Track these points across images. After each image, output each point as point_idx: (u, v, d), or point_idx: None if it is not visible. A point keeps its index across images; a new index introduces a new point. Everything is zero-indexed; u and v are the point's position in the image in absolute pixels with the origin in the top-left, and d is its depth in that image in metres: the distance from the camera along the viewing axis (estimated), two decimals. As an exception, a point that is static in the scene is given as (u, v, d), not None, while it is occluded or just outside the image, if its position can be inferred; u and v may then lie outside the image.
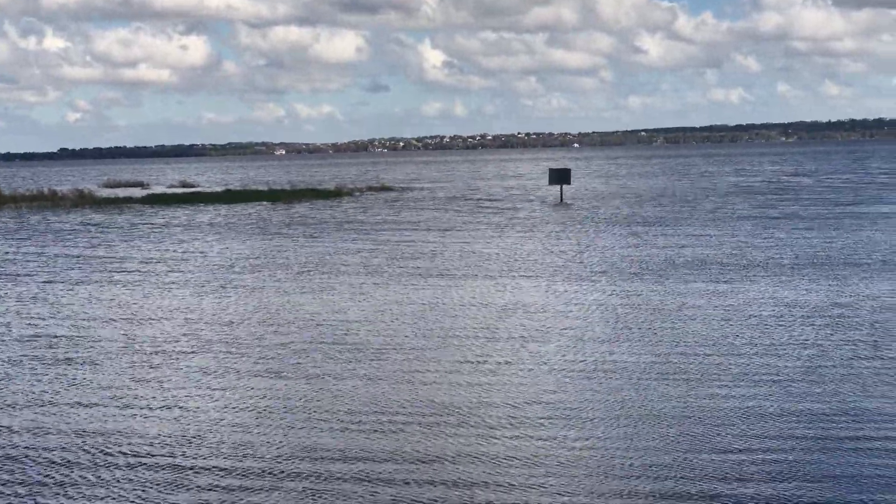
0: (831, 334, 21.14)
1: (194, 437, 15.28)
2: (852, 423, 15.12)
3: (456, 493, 12.66)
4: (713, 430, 14.92)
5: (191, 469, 13.83)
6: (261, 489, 12.98)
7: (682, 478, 13.02)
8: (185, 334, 23.33)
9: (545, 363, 19.34)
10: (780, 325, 22.20)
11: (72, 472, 13.86)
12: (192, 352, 21.41)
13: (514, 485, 12.88)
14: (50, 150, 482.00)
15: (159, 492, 12.98)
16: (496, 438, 14.80)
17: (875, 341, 20.41)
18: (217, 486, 13.16)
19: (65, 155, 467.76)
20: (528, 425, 15.44)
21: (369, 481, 13.10)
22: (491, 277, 31.33)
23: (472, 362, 19.61)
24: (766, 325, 22.38)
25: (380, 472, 13.42)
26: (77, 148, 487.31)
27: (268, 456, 14.23)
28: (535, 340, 21.43)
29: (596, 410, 16.13)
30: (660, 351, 20.10)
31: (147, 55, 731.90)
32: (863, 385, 17.17)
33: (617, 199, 69.73)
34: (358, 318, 24.68)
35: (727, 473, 13.11)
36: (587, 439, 14.62)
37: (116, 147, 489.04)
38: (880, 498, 12.24)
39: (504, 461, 13.78)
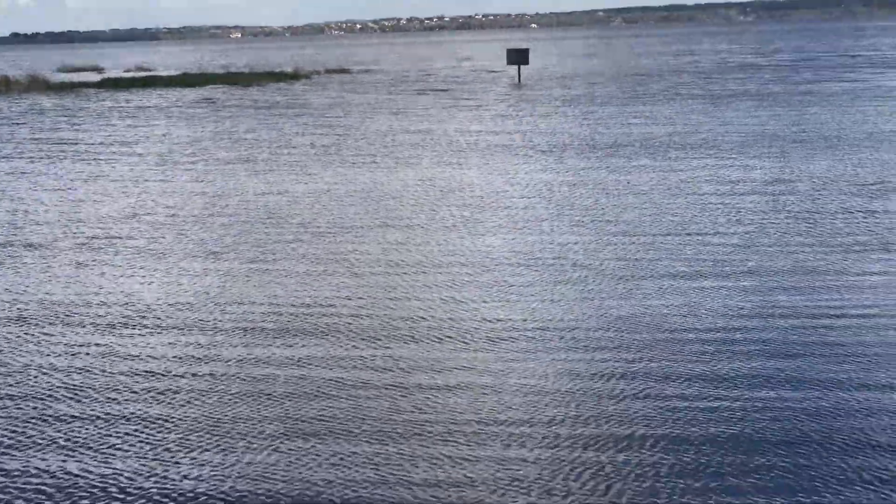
0: (770, 210, 21.41)
1: (131, 319, 15.37)
2: (784, 296, 15.42)
3: (387, 353, 12.86)
4: (648, 306, 15.16)
5: (127, 350, 13.93)
6: (197, 373, 13.10)
7: (615, 348, 13.25)
8: (126, 216, 23.27)
9: (486, 244, 19.48)
10: (721, 203, 22.43)
11: (4, 355, 13.95)
12: (132, 234, 21.38)
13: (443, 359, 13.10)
14: (1, 35, 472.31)
15: (97, 372, 13.09)
16: (433, 318, 14.96)
17: (810, 216, 20.72)
18: (151, 369, 13.27)
19: (16, 40, 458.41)
20: (463, 304, 15.61)
21: (299, 360, 13.25)
22: (438, 158, 31.35)
23: (412, 243, 19.71)
24: (707, 202, 22.60)
25: (312, 351, 13.58)
26: (29, 32, 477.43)
27: (202, 339, 14.33)
28: (477, 221, 21.54)
29: (533, 287, 16.31)
30: (599, 228, 20.29)
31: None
32: (795, 260, 17.47)
33: (572, 80, 69.49)
34: (302, 199, 24.68)
35: (664, 347, 13.36)
36: (524, 319, 14.80)
37: (70, 31, 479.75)
38: (806, 364, 12.55)
39: (436, 337, 13.96)
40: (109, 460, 10.44)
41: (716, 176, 25.91)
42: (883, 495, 9.34)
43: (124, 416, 11.52)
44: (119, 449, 10.69)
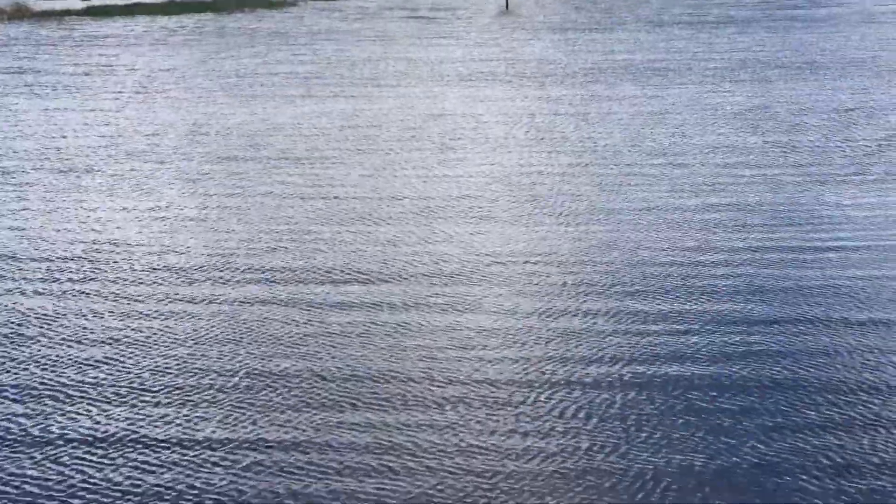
0: (749, 136, 21.47)
1: (108, 243, 15.42)
2: (761, 213, 15.54)
3: (358, 278, 12.98)
4: (623, 229, 15.27)
5: (105, 275, 14.02)
6: (175, 297, 13.20)
7: (589, 267, 13.38)
8: (106, 145, 23.24)
9: (463, 168, 19.52)
10: (700, 129, 22.46)
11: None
12: (114, 162, 21.36)
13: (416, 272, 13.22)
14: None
15: (71, 297, 13.19)
16: (405, 243, 15.05)
17: (788, 141, 20.78)
18: (127, 293, 13.37)
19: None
20: (435, 223, 15.69)
21: (274, 282, 13.36)
22: (420, 85, 31.24)
23: (391, 168, 19.74)
24: (685, 128, 22.63)
25: (283, 275, 13.69)
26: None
27: (177, 264, 14.41)
28: (455, 147, 21.56)
29: (510, 211, 16.40)
30: (577, 154, 20.34)
31: None
32: (775, 183, 17.56)
33: (561, 5, 68.97)
34: (283, 127, 24.65)
35: (636, 271, 13.49)
36: (499, 239, 14.90)
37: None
38: (775, 285, 12.70)
39: (409, 260, 14.07)
40: (87, 373, 10.59)
41: (696, 102, 25.91)
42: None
43: (98, 340, 11.68)
44: (98, 361, 10.84)
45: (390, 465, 8.65)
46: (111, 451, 9.08)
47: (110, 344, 11.61)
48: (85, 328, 12.12)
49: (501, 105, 26.91)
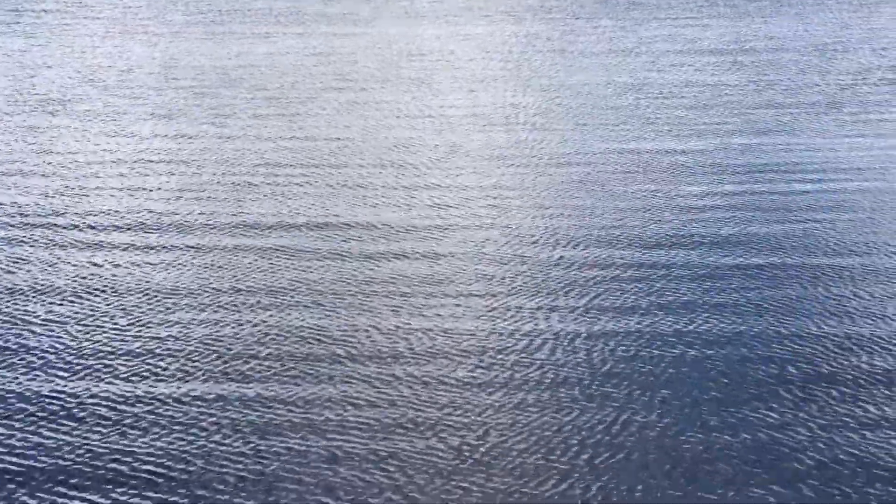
0: (725, 72, 21.43)
1: (79, 188, 15.35)
2: (736, 151, 15.57)
3: (331, 216, 12.98)
4: (598, 171, 15.28)
5: (74, 218, 13.96)
6: (142, 239, 13.17)
7: (558, 205, 13.40)
8: (81, 82, 23.03)
9: (439, 105, 19.45)
10: (676, 65, 22.41)
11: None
12: (87, 97, 21.20)
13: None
14: None
15: (42, 245, 13.15)
16: (379, 185, 15.03)
17: (765, 77, 20.77)
18: (94, 232, 13.32)
19: None
20: (411, 168, 15.66)
21: (244, 226, 13.33)
22: (396, 22, 31.00)
23: (364, 105, 19.65)
24: (661, 64, 22.57)
25: (253, 217, 13.66)
26: None
27: (154, 197, 14.36)
28: (432, 83, 21.46)
29: (491, 151, 16.37)
30: (552, 90, 20.28)
31: None
32: (749, 119, 17.57)
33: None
34: (260, 64, 24.47)
35: (602, 208, 13.51)
36: (473, 176, 14.89)
37: None
38: (747, 228, 12.76)
39: (380, 202, 14.05)
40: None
41: (673, 36, 25.82)
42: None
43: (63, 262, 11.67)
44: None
45: (357, 397, 8.69)
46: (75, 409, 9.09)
47: (77, 280, 11.59)
48: (52, 266, 12.09)
49: (478, 41, 26.75)
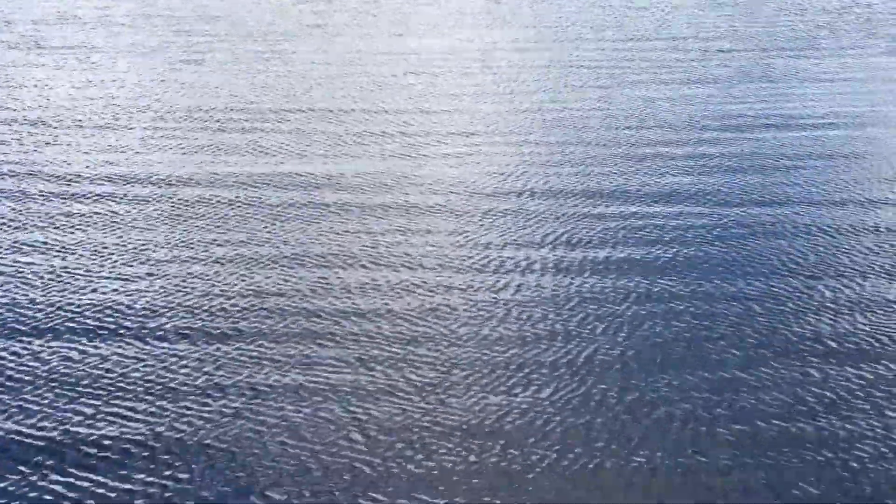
0: (701, 12, 21.31)
1: (56, 114, 15.22)
2: (715, 86, 15.49)
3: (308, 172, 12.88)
4: (571, 106, 15.21)
5: (53, 147, 13.84)
6: (113, 174, 13.06)
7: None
8: (57, 20, 22.78)
9: (415, 44, 19.30)
10: (657, 6, 22.27)
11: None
12: (65, 36, 20.97)
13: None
14: None
15: (12, 177, 13.04)
16: (353, 120, 14.93)
17: (750, 12, 20.68)
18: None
19: None
20: (389, 114, 15.55)
21: (218, 163, 13.24)
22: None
23: (343, 45, 19.48)
24: (643, 6, 22.42)
25: (226, 155, 13.57)
26: None
27: (120, 141, 14.24)
28: (408, 23, 21.27)
29: (477, 96, 16.27)
30: (531, 30, 20.13)
31: None
32: (736, 68, 17.48)
33: None
34: (251, 14, 24.23)
35: (578, 147, 13.45)
36: (446, 116, 14.80)
37: None
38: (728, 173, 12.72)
39: (356, 140, 13.96)
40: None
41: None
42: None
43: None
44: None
45: (332, 330, 8.65)
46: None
47: (43, 229, 11.50)
48: (24, 210, 11.99)
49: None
